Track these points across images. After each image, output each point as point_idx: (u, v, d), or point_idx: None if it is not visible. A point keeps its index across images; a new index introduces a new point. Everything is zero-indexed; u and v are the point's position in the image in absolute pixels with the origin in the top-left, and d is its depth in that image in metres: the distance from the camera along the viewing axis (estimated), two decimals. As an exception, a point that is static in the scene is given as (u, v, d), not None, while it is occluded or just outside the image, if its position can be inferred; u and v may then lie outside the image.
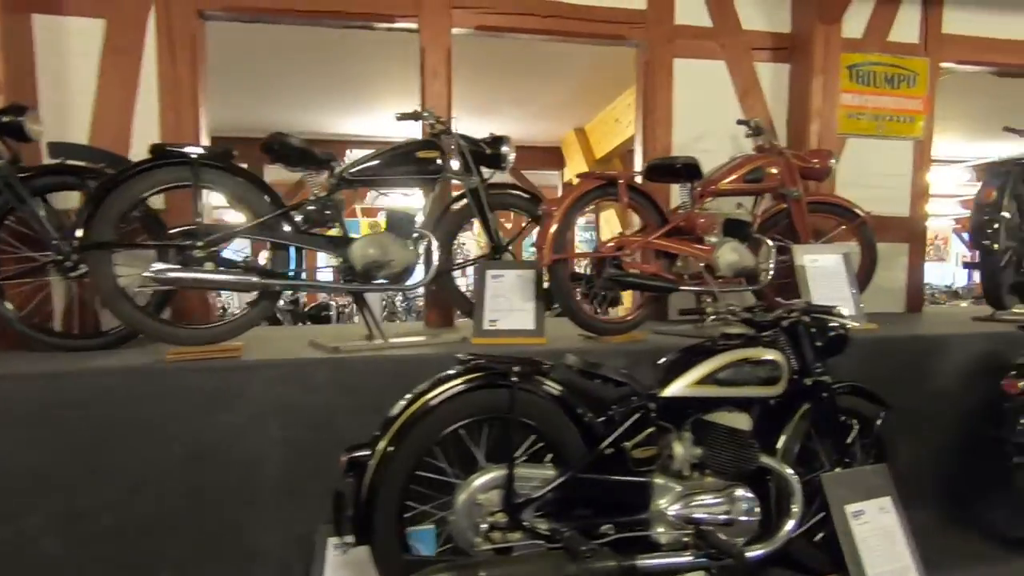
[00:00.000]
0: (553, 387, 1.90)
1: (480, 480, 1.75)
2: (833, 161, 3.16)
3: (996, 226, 2.93)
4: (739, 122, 3.33)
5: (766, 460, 2.10)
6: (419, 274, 2.68)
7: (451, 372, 1.82)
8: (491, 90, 6.83)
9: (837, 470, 2.28)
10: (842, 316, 2.31)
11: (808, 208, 3.21)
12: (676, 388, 2.01)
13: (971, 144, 9.64)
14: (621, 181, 2.56)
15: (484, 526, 1.69)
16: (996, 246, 2.94)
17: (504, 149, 2.83)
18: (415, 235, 2.67)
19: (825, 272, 3.18)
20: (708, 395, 2.02)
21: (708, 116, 3.67)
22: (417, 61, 3.37)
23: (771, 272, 3.01)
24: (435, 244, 2.66)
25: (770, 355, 2.09)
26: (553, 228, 2.48)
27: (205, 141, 3.23)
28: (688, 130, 3.68)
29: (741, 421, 2.10)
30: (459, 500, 1.73)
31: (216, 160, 2.31)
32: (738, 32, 3.71)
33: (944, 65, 4.09)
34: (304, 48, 5.33)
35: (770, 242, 3.02)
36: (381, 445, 1.68)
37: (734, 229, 3.02)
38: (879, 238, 4.01)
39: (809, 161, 3.15)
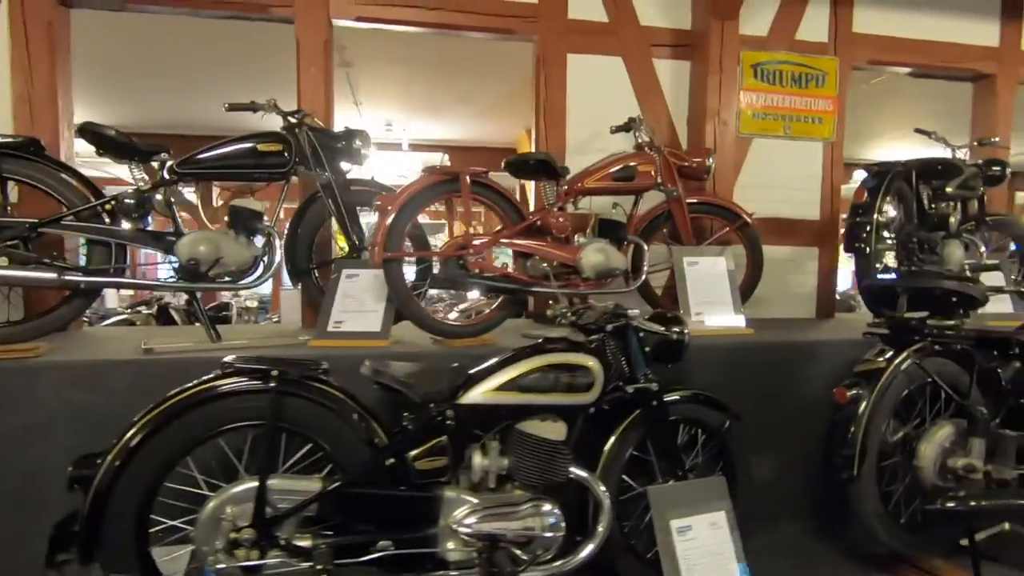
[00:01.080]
0: (330, 392, 1.78)
1: (229, 492, 1.62)
2: (711, 160, 3.04)
3: (868, 228, 2.82)
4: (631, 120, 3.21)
5: (577, 472, 1.98)
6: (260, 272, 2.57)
7: (209, 376, 1.70)
8: (433, 90, 6.73)
9: (671, 482, 2.17)
10: (679, 321, 2.19)
11: (691, 209, 3.10)
12: (474, 395, 1.89)
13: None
14: (464, 176, 2.45)
15: (219, 543, 1.57)
16: (868, 249, 2.83)
17: (357, 143, 2.71)
18: (259, 232, 2.56)
19: (704, 275, 3.06)
20: (508, 402, 1.90)
21: (605, 114, 3.53)
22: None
23: (644, 274, 2.91)
24: (277, 242, 2.55)
25: (582, 360, 1.97)
26: (386, 225, 2.36)
27: (67, 134, 3.11)
28: (584, 128, 3.57)
29: (554, 430, 1.97)
30: (203, 514, 1.61)
31: (20, 149, 2.19)
32: (635, 28, 3.60)
33: (856, 65, 3.99)
34: (245, 43, 5.20)
35: (644, 244, 2.92)
36: (109, 457, 1.55)
37: (608, 230, 2.92)
38: (787, 242, 3.93)
39: (687, 160, 3.04)
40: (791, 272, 3.90)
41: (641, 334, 2.14)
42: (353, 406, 1.79)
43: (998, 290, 3.08)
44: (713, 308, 2.99)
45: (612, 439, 2.11)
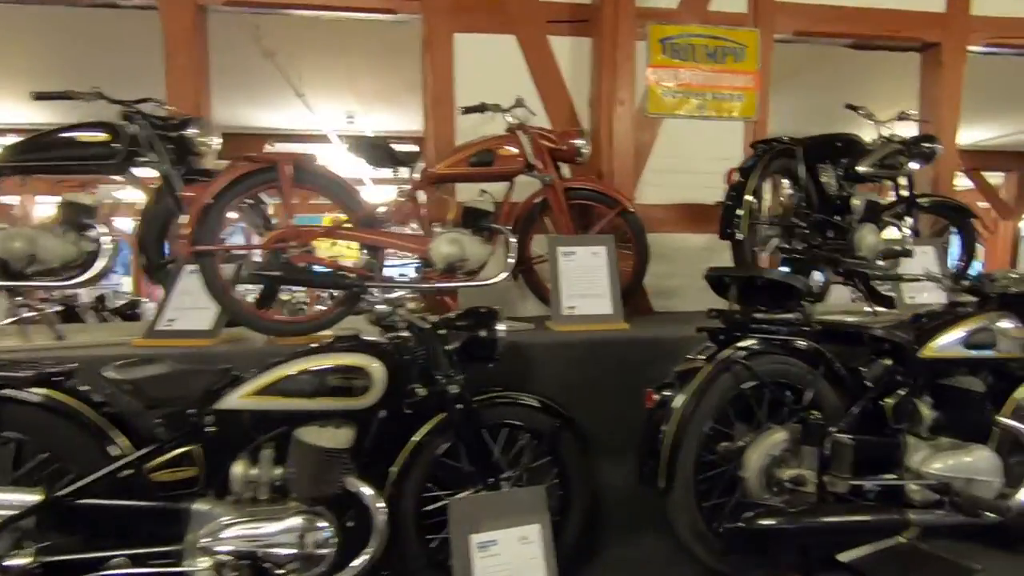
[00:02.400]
0: (59, 399, 1.66)
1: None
2: (581, 141, 2.81)
3: (739, 212, 2.57)
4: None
5: (353, 483, 1.82)
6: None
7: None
8: (382, 79, 6.56)
9: (482, 493, 1.99)
10: (491, 318, 2.01)
11: (569, 195, 2.89)
12: (231, 400, 1.75)
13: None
14: (283, 165, 2.29)
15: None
16: (740, 235, 2.58)
17: (190, 131, 2.57)
18: (91, 229, 2.45)
19: (581, 266, 2.85)
20: (269, 408, 1.75)
21: (497, 96, 3.32)
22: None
23: (509, 266, 2.71)
24: (105, 239, 2.44)
25: (357, 361, 1.81)
26: (195, 217, 2.22)
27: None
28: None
29: (334, 437, 1.81)
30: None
31: None
32: (530, 3, 3.38)
33: (780, 36, 3.70)
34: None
35: (509, 234, 2.72)
36: None
37: (472, 219, 2.73)
38: (702, 229, 3.66)
39: (557, 143, 2.82)
40: (707, 262, 3.63)
41: (441, 332, 1.96)
42: (86, 413, 1.66)
43: (913, 279, 2.79)
44: (588, 301, 2.79)
45: (408, 446, 1.95)
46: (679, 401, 1.81)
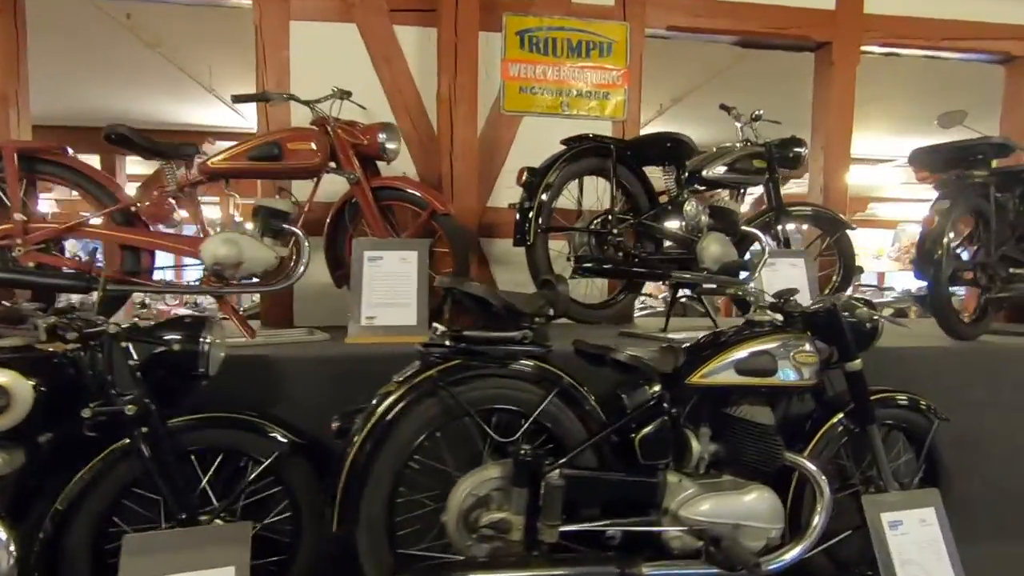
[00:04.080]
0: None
1: None
2: (385, 136, 2.58)
3: (529, 219, 2.32)
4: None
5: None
6: None
7: None
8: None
9: (174, 529, 1.75)
10: (196, 328, 1.76)
11: (379, 196, 2.65)
12: None
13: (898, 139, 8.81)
14: (7, 150, 2.06)
15: None
16: (529, 240, 2.34)
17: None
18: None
19: (389, 273, 2.61)
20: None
21: (339, 86, 3.11)
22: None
23: (303, 269, 2.48)
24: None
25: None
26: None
27: None
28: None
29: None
30: None
31: None
32: (372, -9, 3.16)
33: (652, 31, 3.46)
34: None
35: (302, 235, 2.49)
36: None
37: (270, 219, 2.50)
38: (559, 236, 3.42)
39: (359, 137, 2.58)
40: (563, 271, 3.40)
41: (125, 344, 1.72)
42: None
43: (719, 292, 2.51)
44: (391, 311, 2.54)
45: (78, 476, 1.71)
46: (362, 430, 1.56)
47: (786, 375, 1.86)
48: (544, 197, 2.37)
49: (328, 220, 2.79)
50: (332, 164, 2.63)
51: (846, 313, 2.01)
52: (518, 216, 2.44)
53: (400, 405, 1.57)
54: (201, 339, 1.77)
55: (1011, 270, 2.80)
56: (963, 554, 2.52)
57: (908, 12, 3.60)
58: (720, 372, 1.83)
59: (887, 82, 6.38)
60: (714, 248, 2.69)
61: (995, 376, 2.61)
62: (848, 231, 3.17)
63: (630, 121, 3.41)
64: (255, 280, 2.52)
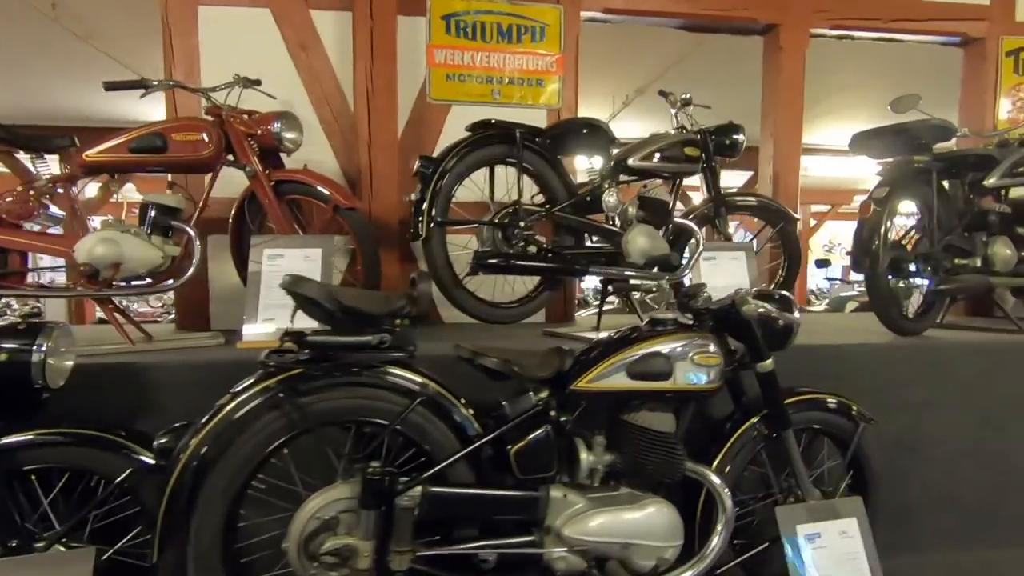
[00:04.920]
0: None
1: None
2: (279, 125, 2.41)
3: (421, 217, 2.16)
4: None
5: None
6: None
7: None
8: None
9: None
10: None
11: (280, 190, 2.48)
12: None
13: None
14: None
15: None
16: (422, 234, 2.18)
17: None
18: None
19: (290, 271, 2.42)
20: None
21: (252, 75, 2.94)
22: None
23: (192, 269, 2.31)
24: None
25: None
26: None
27: None
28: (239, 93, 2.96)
29: None
30: None
31: None
32: (284, -27, 2.99)
33: (587, 15, 3.30)
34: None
35: (193, 233, 2.32)
36: None
37: (159, 216, 2.34)
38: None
39: (252, 127, 2.41)
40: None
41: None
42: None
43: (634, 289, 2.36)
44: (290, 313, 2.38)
45: None
46: (187, 449, 1.40)
47: (683, 378, 1.70)
48: (439, 187, 2.20)
49: (232, 216, 2.63)
50: (230, 157, 2.47)
51: (762, 310, 1.86)
52: (412, 209, 2.28)
53: (232, 420, 1.41)
54: (35, 348, 1.61)
55: (956, 261, 2.65)
56: (902, 564, 2.38)
57: (859, -8, 3.46)
58: (609, 376, 1.67)
59: (866, 69, 6.22)
60: (640, 241, 2.53)
61: (938, 374, 2.45)
62: (792, 223, 3.01)
63: (566, 109, 3.24)
64: (147, 281, 2.37)
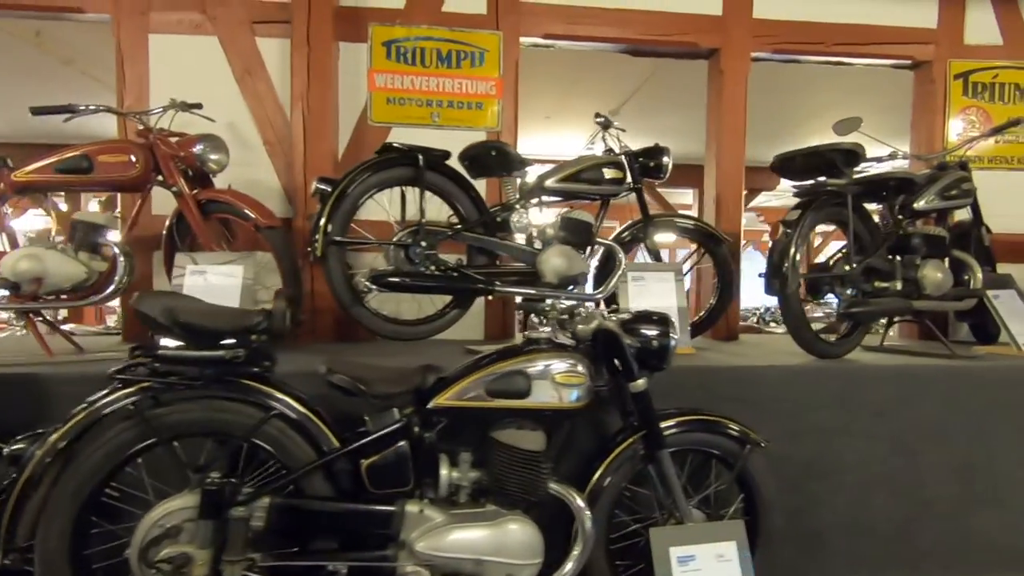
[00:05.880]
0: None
1: None
2: (201, 148, 2.51)
3: (317, 236, 2.22)
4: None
5: None
6: None
7: None
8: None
9: None
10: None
11: (207, 209, 2.57)
12: None
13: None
14: None
15: None
16: (318, 252, 2.24)
17: None
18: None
19: (212, 287, 2.52)
20: None
21: (200, 99, 3.05)
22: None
23: (117, 287, 2.41)
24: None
25: None
26: None
27: None
28: (176, 118, 3.07)
29: None
30: None
31: None
32: (230, 3, 3.11)
33: (528, 40, 3.37)
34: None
35: (120, 251, 2.42)
36: None
37: (84, 234, 2.44)
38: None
39: (176, 149, 2.51)
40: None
41: None
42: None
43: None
44: (208, 328, 2.46)
45: None
46: (34, 458, 1.46)
47: (543, 397, 1.72)
48: (337, 207, 2.27)
49: (164, 234, 2.73)
50: (160, 177, 2.57)
51: (641, 329, 1.88)
52: (311, 228, 2.35)
53: (83, 428, 1.48)
54: None
55: (877, 283, 2.63)
56: (810, 591, 2.34)
57: (800, 16, 3.47)
58: (468, 393, 1.70)
59: (847, 89, 6.21)
60: (555, 261, 2.57)
61: (851, 400, 2.42)
62: (723, 245, 3.02)
63: (506, 131, 3.31)
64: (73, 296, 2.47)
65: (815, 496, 2.39)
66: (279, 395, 1.62)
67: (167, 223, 2.71)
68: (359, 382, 1.61)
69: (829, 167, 2.55)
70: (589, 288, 2.82)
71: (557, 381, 1.74)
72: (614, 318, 1.85)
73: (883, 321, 3.04)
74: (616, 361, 1.87)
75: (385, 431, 1.67)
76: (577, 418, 1.95)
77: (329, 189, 2.29)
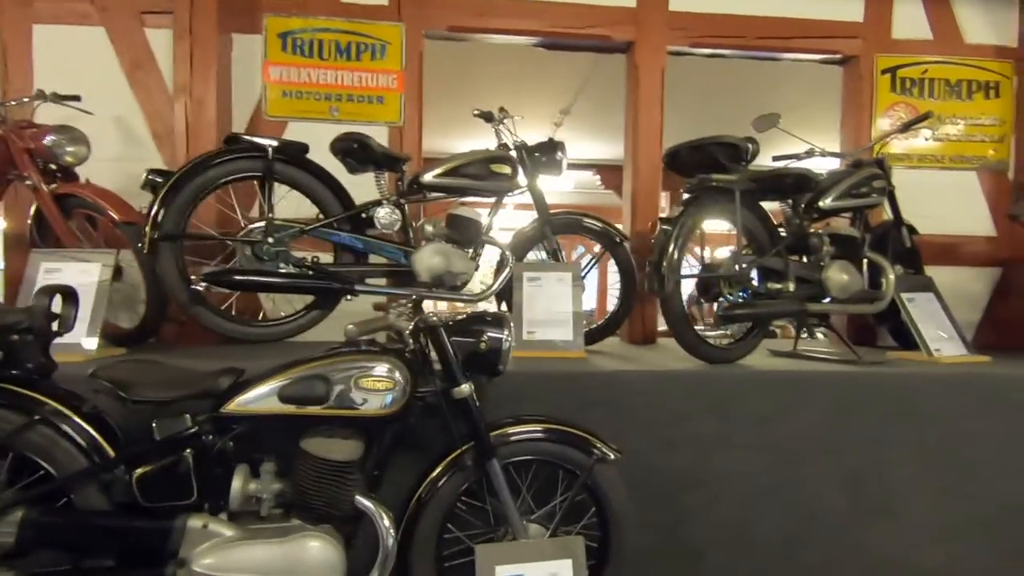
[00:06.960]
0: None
1: None
2: (52, 140, 2.40)
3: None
4: None
5: None
6: None
7: None
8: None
9: None
10: None
11: (66, 204, 2.46)
12: None
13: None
14: None
15: None
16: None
17: None
18: None
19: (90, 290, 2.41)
20: None
21: (86, 94, 2.94)
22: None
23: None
24: None
25: None
26: None
27: None
28: (58, 111, 2.96)
29: None
30: None
31: None
32: (117, -8, 3.02)
33: (432, 32, 3.26)
34: None
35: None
36: None
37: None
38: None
39: (27, 141, 2.40)
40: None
41: None
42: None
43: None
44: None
45: None
46: None
47: (343, 402, 1.60)
48: (170, 200, 2.15)
49: (29, 230, 2.62)
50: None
51: (472, 329, 1.76)
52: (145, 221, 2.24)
53: None
54: None
55: (770, 284, 2.50)
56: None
57: (719, 9, 3.34)
58: (261, 400, 1.58)
59: (810, 90, 6.08)
60: (429, 260, 2.45)
61: (733, 407, 2.29)
62: (623, 244, 2.89)
63: (409, 126, 3.19)
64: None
65: (692, 510, 2.25)
66: (46, 400, 1.50)
67: (30, 219, 2.60)
68: (125, 386, 1.50)
69: (715, 162, 2.42)
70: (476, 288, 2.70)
71: (360, 386, 1.61)
72: (434, 318, 1.73)
73: (788, 324, 2.91)
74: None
75: (167, 439, 1.55)
76: (415, 425, 1.83)
77: (161, 180, 2.18)
